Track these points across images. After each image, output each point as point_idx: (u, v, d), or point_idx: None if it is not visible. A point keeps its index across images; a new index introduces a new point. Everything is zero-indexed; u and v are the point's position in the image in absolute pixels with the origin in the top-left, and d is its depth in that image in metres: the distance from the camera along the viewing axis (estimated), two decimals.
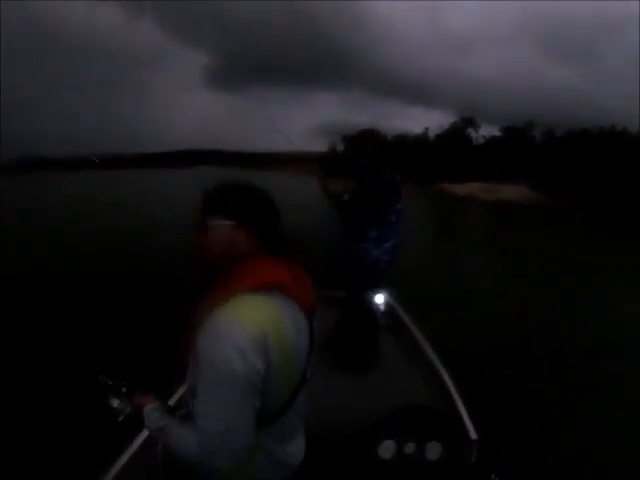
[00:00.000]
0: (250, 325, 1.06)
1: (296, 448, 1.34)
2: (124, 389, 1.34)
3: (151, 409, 1.26)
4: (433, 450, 2.01)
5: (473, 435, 2.29)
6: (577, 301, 8.51)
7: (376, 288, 3.41)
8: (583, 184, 39.60)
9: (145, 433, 2.10)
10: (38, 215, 20.96)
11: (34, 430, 3.63)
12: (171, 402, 1.45)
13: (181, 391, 2.09)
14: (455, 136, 68.51)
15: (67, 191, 38.16)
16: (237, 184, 1.25)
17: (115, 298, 7.77)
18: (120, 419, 1.27)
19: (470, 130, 70.28)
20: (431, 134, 75.00)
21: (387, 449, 2.02)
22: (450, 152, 62.02)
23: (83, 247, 12.70)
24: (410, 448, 2.01)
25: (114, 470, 1.97)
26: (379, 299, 3.36)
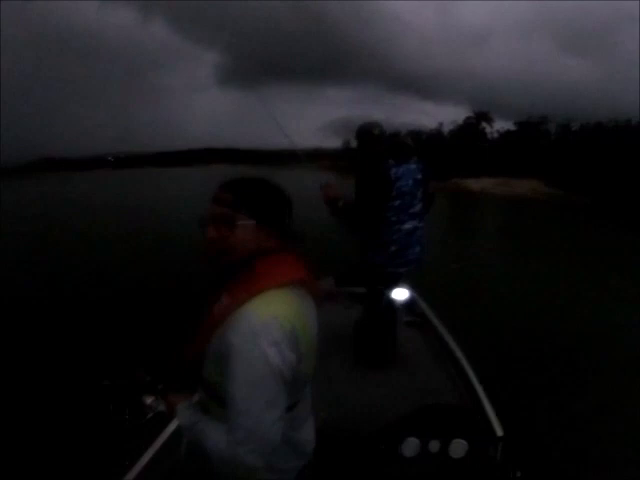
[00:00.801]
0: (283, 320, 1.08)
1: (309, 434, 1.36)
2: (160, 386, 1.35)
3: (184, 406, 1.26)
4: (458, 447, 1.95)
5: (499, 432, 2.26)
6: (592, 295, 8.44)
7: (387, 290, 3.29)
8: (598, 179, 38.91)
9: (169, 430, 2.13)
10: (52, 215, 21.15)
11: (46, 429, 3.69)
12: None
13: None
14: (469, 131, 67.79)
15: (82, 190, 38.48)
16: (261, 181, 1.25)
17: (130, 297, 7.85)
18: (149, 416, 1.27)
19: (484, 125, 69.52)
20: (445, 129, 74.33)
21: (410, 447, 1.98)
22: (464, 147, 61.44)
23: (98, 247, 12.82)
24: (434, 446, 1.98)
25: (138, 466, 1.99)
26: (401, 295, 3.30)
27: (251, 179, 1.24)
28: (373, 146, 3.12)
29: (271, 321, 1.06)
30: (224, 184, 1.21)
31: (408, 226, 3.12)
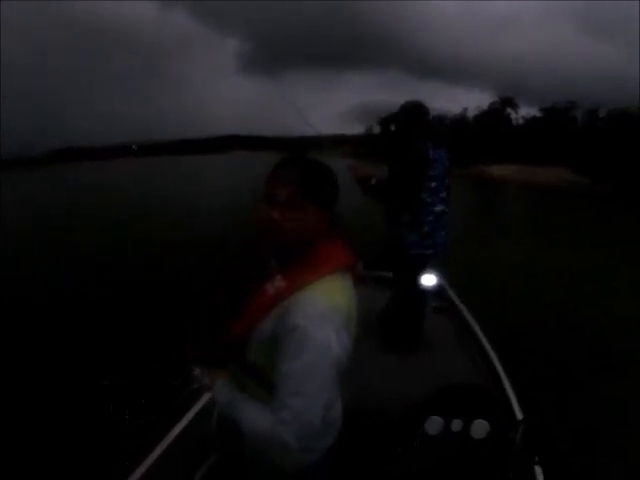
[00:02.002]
0: (343, 308, 1.11)
1: (338, 411, 1.36)
2: (206, 360, 1.38)
3: (222, 383, 1.28)
4: (479, 428, 1.97)
5: (519, 415, 2.29)
6: (618, 286, 8.32)
7: (419, 272, 3.28)
8: (626, 167, 37.93)
9: (199, 405, 2.18)
10: (75, 204, 21.42)
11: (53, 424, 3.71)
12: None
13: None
14: (494, 117, 66.83)
15: (105, 179, 38.94)
16: (321, 164, 1.22)
17: (156, 283, 7.90)
18: (195, 387, 1.31)
19: (509, 111, 68.45)
20: (470, 115, 73.42)
21: (434, 425, 2.00)
22: (489, 133, 60.60)
23: (121, 234, 12.95)
24: (457, 425, 1.99)
25: (168, 439, 2.03)
26: (429, 280, 3.29)
27: (313, 160, 1.21)
28: (417, 125, 3.11)
29: (335, 308, 1.08)
30: (289, 164, 1.19)
31: (438, 209, 3.13)
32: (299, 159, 1.20)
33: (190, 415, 2.18)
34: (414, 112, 3.13)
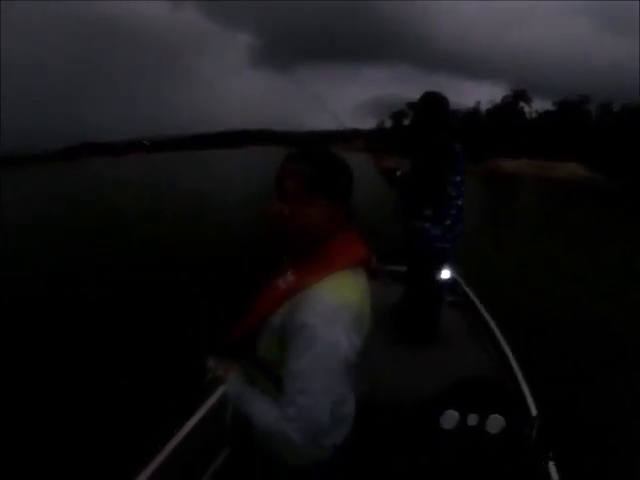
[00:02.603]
0: (353, 305, 1.09)
1: (351, 408, 1.34)
2: (221, 352, 1.38)
3: (235, 375, 1.28)
4: (495, 423, 1.95)
5: (533, 411, 2.28)
6: (632, 281, 8.24)
7: (439, 266, 3.26)
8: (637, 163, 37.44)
9: (214, 399, 2.19)
10: (89, 198, 21.52)
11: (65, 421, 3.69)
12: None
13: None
14: (507, 110, 66.36)
15: (119, 174, 39.19)
16: (333, 156, 1.19)
17: (173, 278, 7.87)
18: (209, 378, 1.31)
19: (522, 104, 67.96)
20: (482, 108, 72.96)
21: (450, 419, 1.98)
22: (502, 127, 60.20)
23: (134, 230, 12.90)
24: (472, 420, 1.97)
25: (184, 431, 2.05)
26: (444, 274, 3.27)
27: (324, 152, 1.18)
28: (438, 116, 3.07)
29: (344, 305, 1.06)
30: (299, 157, 1.15)
31: (460, 202, 3.12)
32: (308, 153, 1.16)
33: (206, 407, 2.19)
34: (435, 103, 3.08)
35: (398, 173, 3.06)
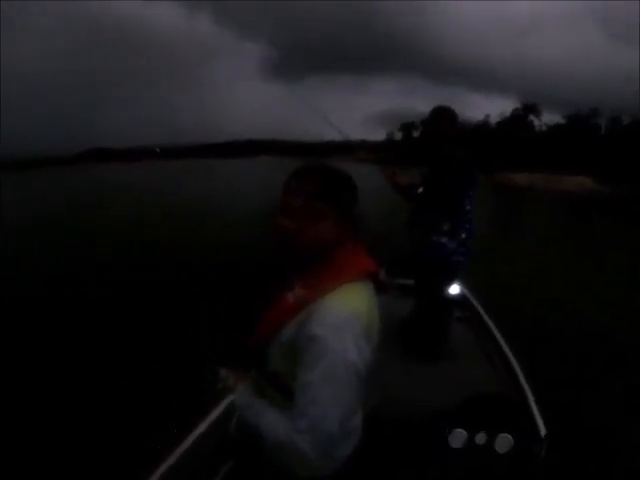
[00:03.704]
0: (362, 315, 1.09)
1: (359, 421, 1.30)
2: (232, 363, 1.38)
3: (243, 387, 1.29)
4: (503, 442, 1.95)
5: (543, 430, 2.24)
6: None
7: (451, 280, 3.28)
8: None
9: (219, 409, 2.17)
10: (99, 204, 21.69)
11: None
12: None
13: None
14: (517, 123, 66.38)
15: (129, 181, 39.45)
16: (336, 170, 1.22)
17: (178, 285, 7.89)
18: (219, 387, 1.32)
19: (532, 117, 67.96)
20: (492, 121, 73.06)
21: (458, 438, 1.98)
22: (511, 140, 60.20)
23: (143, 236, 12.94)
24: (481, 438, 1.97)
25: (187, 442, 2.03)
26: (453, 289, 3.26)
27: (328, 167, 1.21)
28: (449, 129, 3.08)
29: (354, 316, 1.07)
30: (302, 173, 1.18)
31: (472, 216, 3.14)
32: (313, 167, 1.19)
33: (212, 417, 2.18)
34: (445, 116, 3.10)
35: (420, 190, 3.06)
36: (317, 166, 1.20)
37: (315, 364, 1.03)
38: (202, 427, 2.14)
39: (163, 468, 1.87)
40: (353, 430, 1.24)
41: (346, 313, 1.06)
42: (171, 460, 1.92)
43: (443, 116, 3.10)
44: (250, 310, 1.30)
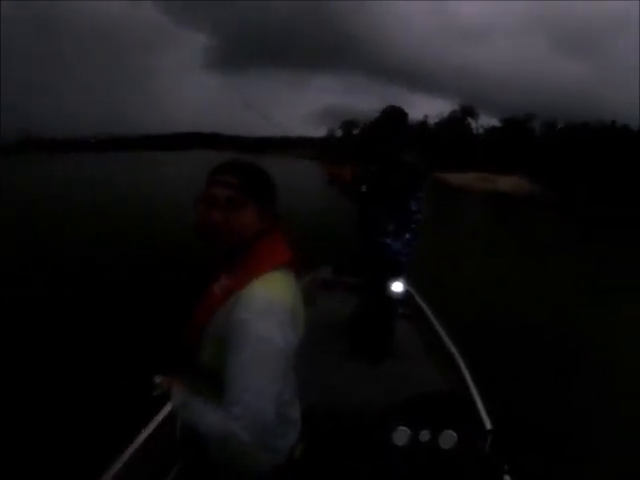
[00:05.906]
0: (286, 302, 1.13)
1: (297, 413, 1.39)
2: (169, 368, 1.37)
3: (178, 390, 1.27)
4: (447, 439, 1.97)
5: (487, 425, 2.29)
6: (575, 291, 8.60)
7: (395, 279, 3.24)
8: (581, 178, 39.68)
9: (164, 411, 2.13)
10: (33, 196, 20.74)
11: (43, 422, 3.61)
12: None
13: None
14: (454, 125, 68.37)
15: (64, 172, 38.05)
16: (257, 166, 1.27)
17: (112, 281, 7.76)
18: (156, 393, 1.30)
19: (469, 120, 70.17)
20: (431, 122, 74.87)
21: (402, 436, 1.99)
22: (449, 141, 61.93)
23: (79, 229, 12.63)
24: (425, 436, 1.98)
25: (133, 446, 1.98)
26: (397, 287, 3.26)
27: (249, 163, 1.26)
28: (399, 130, 3.06)
29: (277, 301, 1.11)
30: (227, 168, 1.23)
31: (419, 217, 3.14)
32: (235, 163, 1.25)
33: (155, 423, 2.13)
34: (396, 117, 3.07)
35: (364, 188, 2.99)
36: (239, 161, 1.26)
37: (242, 349, 1.06)
38: (147, 432, 2.09)
39: (115, 468, 1.83)
40: (291, 422, 1.35)
41: (269, 298, 1.10)
42: (122, 460, 1.88)
43: (394, 116, 3.08)
44: (187, 308, 1.25)
